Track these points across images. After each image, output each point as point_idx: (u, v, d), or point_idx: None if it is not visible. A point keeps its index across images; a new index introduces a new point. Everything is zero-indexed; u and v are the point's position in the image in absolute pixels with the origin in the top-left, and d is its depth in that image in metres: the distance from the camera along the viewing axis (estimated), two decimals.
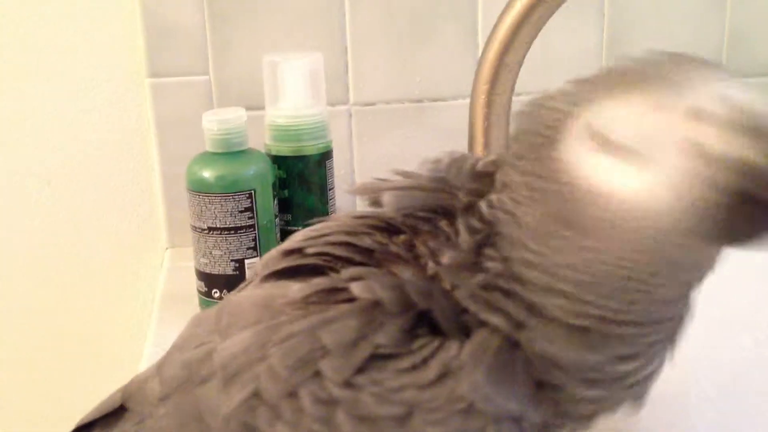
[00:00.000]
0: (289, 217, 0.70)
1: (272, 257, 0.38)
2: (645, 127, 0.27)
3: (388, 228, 0.36)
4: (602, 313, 0.30)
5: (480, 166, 0.36)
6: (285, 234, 0.70)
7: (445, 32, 0.86)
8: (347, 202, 0.80)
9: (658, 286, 0.29)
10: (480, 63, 0.63)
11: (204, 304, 0.67)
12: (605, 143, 0.27)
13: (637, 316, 0.30)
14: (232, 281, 0.65)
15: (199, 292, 0.67)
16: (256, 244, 0.66)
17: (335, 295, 0.33)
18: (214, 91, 0.81)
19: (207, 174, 0.65)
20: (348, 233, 0.35)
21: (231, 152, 0.65)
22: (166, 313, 0.70)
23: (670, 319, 0.32)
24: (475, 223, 0.33)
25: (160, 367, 0.40)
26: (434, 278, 0.33)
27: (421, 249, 0.34)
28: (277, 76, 0.69)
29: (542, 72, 0.88)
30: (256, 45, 0.81)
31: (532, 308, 0.31)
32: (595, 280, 0.29)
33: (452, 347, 0.31)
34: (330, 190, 0.71)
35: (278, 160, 0.69)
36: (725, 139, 0.25)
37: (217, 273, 0.65)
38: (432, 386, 0.31)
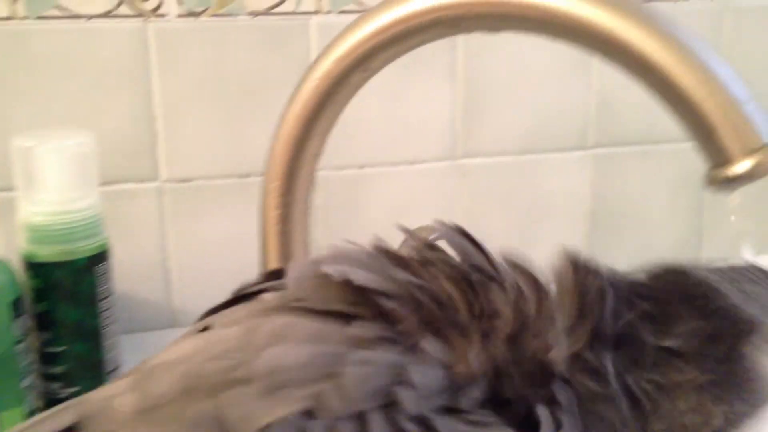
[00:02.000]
0: (50, 335, 0.57)
1: (321, 280, 0.33)
2: None
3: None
4: None
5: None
6: (47, 357, 0.57)
7: (279, 100, 0.74)
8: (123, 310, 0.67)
9: None
10: (270, 156, 0.52)
11: None
12: None
13: None
14: None
15: None
16: None
17: (396, 347, 0.31)
18: None
19: None
20: (434, 295, 0.32)
21: None
22: None
23: None
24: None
25: (137, 383, 0.32)
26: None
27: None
28: (33, 165, 0.56)
29: (394, 140, 0.78)
30: (36, 114, 0.68)
31: None
32: None
33: (509, 430, 0.30)
34: (103, 299, 0.58)
35: (33, 267, 0.56)
36: None
37: None
38: None
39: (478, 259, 0.34)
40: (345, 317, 0.32)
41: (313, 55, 0.74)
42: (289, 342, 0.30)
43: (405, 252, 0.35)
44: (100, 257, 0.58)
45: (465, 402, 0.30)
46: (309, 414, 0.29)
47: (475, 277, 0.34)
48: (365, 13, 0.45)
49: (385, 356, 0.30)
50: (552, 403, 0.31)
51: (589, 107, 0.82)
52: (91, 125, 0.69)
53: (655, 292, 0.35)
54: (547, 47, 0.76)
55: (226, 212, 0.75)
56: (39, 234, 0.56)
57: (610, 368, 0.33)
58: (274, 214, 0.52)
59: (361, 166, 0.78)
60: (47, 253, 0.56)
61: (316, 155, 0.51)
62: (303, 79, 0.49)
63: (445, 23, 0.42)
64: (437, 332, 0.32)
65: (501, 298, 0.33)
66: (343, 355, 0.30)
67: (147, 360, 0.34)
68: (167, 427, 0.30)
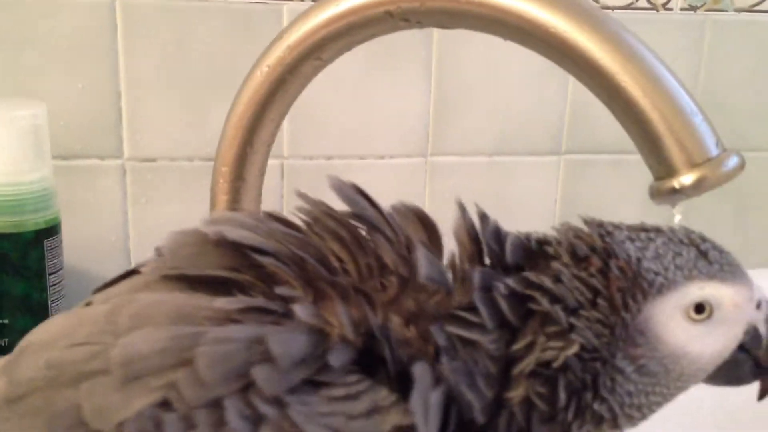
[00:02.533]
0: None
1: (198, 242, 0.33)
2: (741, 311, 0.34)
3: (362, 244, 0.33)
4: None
5: (534, 245, 0.34)
6: None
7: None
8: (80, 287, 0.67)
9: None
10: (220, 141, 0.51)
11: None
12: (706, 317, 0.33)
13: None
14: None
15: None
16: None
17: (266, 316, 0.31)
18: None
19: None
20: (310, 246, 0.33)
21: None
22: None
23: None
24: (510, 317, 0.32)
25: (8, 367, 0.33)
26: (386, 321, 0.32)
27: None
28: None
29: (364, 133, 0.78)
30: None
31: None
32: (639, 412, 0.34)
33: (382, 390, 0.31)
34: (52, 274, 0.57)
35: None
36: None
37: None
38: (361, 418, 0.30)
39: (370, 213, 0.34)
40: (220, 284, 0.31)
41: None
42: (150, 325, 0.30)
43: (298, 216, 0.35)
44: (49, 231, 0.57)
45: (330, 371, 0.30)
46: (165, 405, 0.29)
47: (363, 232, 0.34)
48: (318, 2, 0.45)
49: (244, 331, 0.30)
50: (430, 358, 0.31)
51: (563, 112, 0.82)
52: (54, 99, 0.68)
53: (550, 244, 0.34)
54: (525, 49, 0.75)
55: (188, 194, 0.74)
56: None
57: (487, 316, 0.32)
58: (223, 198, 0.51)
59: (329, 158, 0.78)
60: None
61: (268, 143, 0.50)
62: (254, 66, 0.48)
63: (395, 16, 0.41)
64: (316, 292, 0.32)
65: (389, 253, 0.33)
66: (200, 335, 0.29)
67: (25, 336, 0.34)
68: (31, 419, 0.30)
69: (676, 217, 0.38)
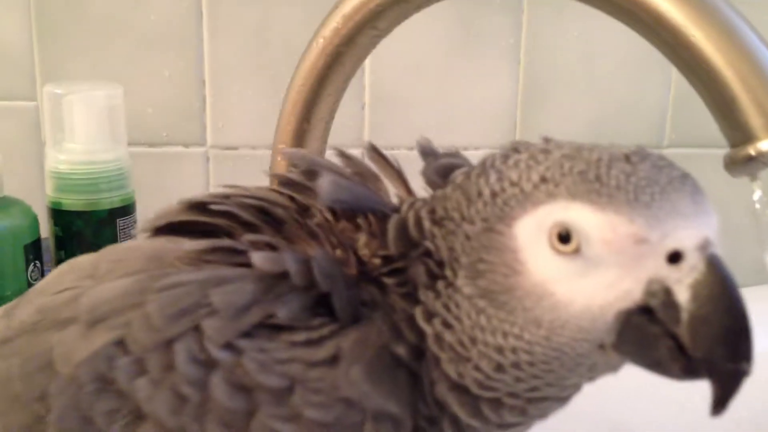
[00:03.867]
0: None
1: (171, 209, 0.35)
2: (622, 252, 0.26)
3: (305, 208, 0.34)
4: (509, 390, 0.30)
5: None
6: None
7: None
8: None
9: (562, 378, 0.30)
10: (279, 118, 0.50)
11: None
12: (573, 250, 0.27)
13: (534, 395, 0.30)
14: None
15: None
16: None
17: (233, 257, 0.31)
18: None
19: None
20: (262, 199, 0.33)
21: None
22: None
23: (557, 399, 0.31)
24: (413, 233, 0.31)
25: (10, 310, 0.34)
26: (343, 264, 0.31)
27: (337, 235, 0.32)
28: (63, 112, 0.56)
29: (448, 123, 0.75)
30: (90, 72, 0.69)
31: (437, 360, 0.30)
32: (511, 365, 0.29)
33: (350, 335, 0.30)
34: None
35: (56, 215, 0.57)
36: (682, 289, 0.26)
37: None
38: (321, 366, 0.29)
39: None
40: (201, 233, 0.33)
41: None
42: (126, 268, 0.31)
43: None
44: (123, 210, 0.58)
45: (281, 309, 0.29)
46: (120, 344, 0.29)
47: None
48: None
49: (198, 275, 0.30)
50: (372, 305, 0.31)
51: (666, 102, 0.76)
52: (142, 87, 0.70)
53: None
54: (622, 30, 0.71)
55: (267, 183, 0.74)
56: (63, 182, 0.57)
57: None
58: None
59: (411, 148, 0.75)
60: (70, 201, 0.57)
61: (326, 119, 0.49)
62: (312, 39, 0.47)
63: None
64: (287, 237, 0.32)
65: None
66: (157, 278, 0.30)
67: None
68: (11, 360, 0.32)
69: (756, 193, 0.33)
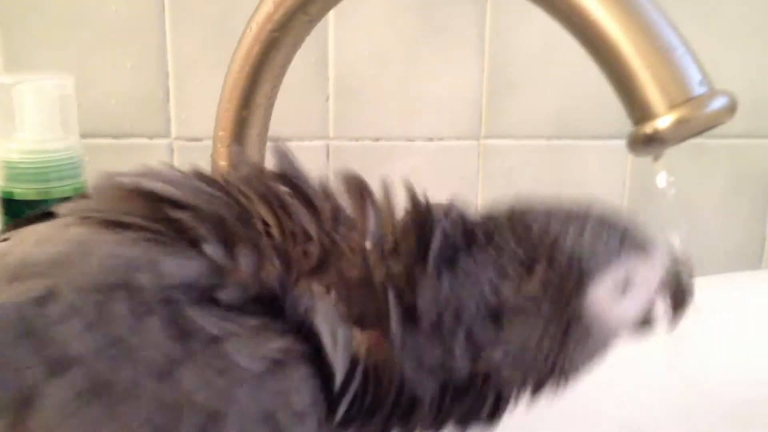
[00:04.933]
0: None
1: (115, 190, 0.33)
2: None
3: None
4: None
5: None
6: None
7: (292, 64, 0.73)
8: None
9: None
10: (218, 105, 0.50)
11: None
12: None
13: None
14: None
15: None
16: None
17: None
18: None
19: None
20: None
21: None
22: None
23: None
24: None
25: None
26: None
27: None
28: (12, 102, 0.57)
29: (413, 114, 0.75)
30: (53, 64, 0.70)
31: None
32: None
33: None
34: None
35: (8, 205, 0.57)
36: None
37: None
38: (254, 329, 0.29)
39: (303, 180, 0.33)
40: (130, 230, 0.31)
41: (331, 17, 0.72)
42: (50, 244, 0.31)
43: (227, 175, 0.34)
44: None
45: (225, 295, 0.29)
46: (49, 294, 0.28)
47: (291, 198, 0.33)
48: None
49: (137, 251, 0.29)
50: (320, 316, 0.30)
51: None
52: (105, 78, 0.71)
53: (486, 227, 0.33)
54: None
55: None
56: (14, 172, 0.57)
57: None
58: (222, 165, 0.50)
59: (377, 139, 0.75)
60: (21, 191, 0.57)
61: (265, 105, 0.49)
62: (246, 25, 0.47)
63: None
64: (225, 242, 0.31)
65: (308, 220, 0.32)
66: (93, 245, 0.29)
67: None
68: None
69: (660, 175, 0.33)
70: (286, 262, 0.31)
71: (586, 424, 0.55)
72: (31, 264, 0.30)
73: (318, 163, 0.74)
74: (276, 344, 0.29)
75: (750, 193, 0.79)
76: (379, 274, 0.31)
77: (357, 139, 0.76)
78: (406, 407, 0.31)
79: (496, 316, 0.31)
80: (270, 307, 0.30)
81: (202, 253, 0.30)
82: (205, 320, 0.28)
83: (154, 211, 0.32)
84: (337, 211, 0.33)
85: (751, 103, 0.76)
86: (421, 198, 0.33)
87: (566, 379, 0.33)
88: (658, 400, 0.59)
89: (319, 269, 0.31)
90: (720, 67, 0.76)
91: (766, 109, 0.76)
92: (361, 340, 0.30)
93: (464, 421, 0.33)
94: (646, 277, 0.34)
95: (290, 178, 0.33)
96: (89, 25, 0.70)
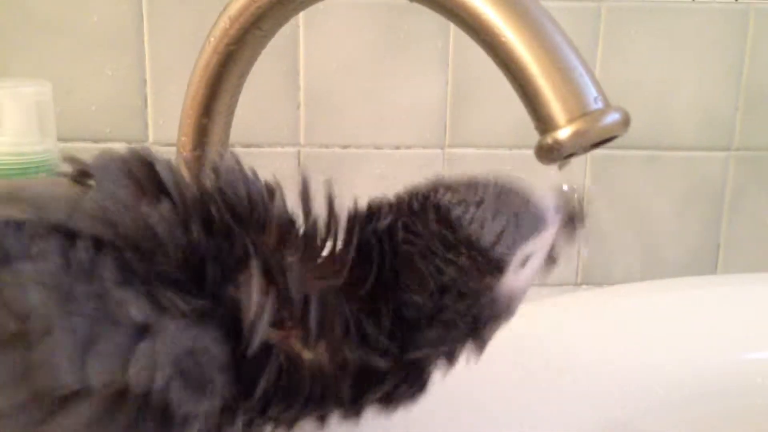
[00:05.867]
0: None
1: None
2: None
3: None
4: None
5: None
6: None
7: (262, 71, 0.76)
8: None
9: None
10: (181, 113, 0.53)
11: None
12: None
13: None
14: None
15: None
16: None
17: None
18: None
19: None
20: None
21: None
22: None
23: None
24: None
25: None
26: None
27: None
28: None
29: (381, 122, 0.78)
30: (33, 71, 0.73)
31: None
32: None
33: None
34: None
35: None
36: None
37: None
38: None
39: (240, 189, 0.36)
40: None
41: (302, 29, 0.75)
42: None
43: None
44: None
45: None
46: (12, 222, 0.30)
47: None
48: None
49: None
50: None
51: None
52: (85, 85, 0.74)
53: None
54: None
55: None
56: None
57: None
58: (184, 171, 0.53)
59: (346, 146, 0.79)
60: None
61: (225, 114, 0.52)
62: (205, 38, 0.50)
63: None
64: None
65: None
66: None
67: None
68: None
69: (563, 186, 0.36)
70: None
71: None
72: None
73: (290, 169, 0.78)
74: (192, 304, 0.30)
75: (704, 203, 0.82)
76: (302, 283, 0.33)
77: (327, 146, 0.79)
78: (323, 394, 0.32)
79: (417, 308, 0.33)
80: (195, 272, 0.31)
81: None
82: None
83: None
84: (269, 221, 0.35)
85: (704, 116, 0.79)
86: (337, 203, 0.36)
87: (481, 348, 0.34)
88: (618, 397, 0.61)
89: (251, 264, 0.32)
90: (675, 81, 0.79)
91: (718, 122, 0.80)
92: (278, 334, 0.32)
93: (387, 400, 0.34)
94: (543, 245, 0.35)
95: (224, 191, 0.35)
96: (71, 33, 0.74)
